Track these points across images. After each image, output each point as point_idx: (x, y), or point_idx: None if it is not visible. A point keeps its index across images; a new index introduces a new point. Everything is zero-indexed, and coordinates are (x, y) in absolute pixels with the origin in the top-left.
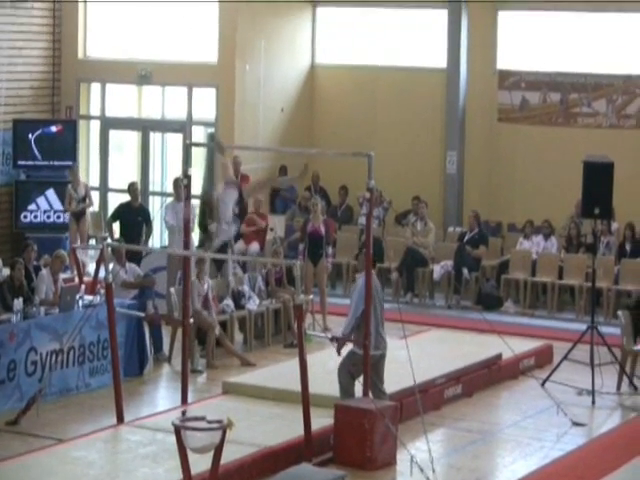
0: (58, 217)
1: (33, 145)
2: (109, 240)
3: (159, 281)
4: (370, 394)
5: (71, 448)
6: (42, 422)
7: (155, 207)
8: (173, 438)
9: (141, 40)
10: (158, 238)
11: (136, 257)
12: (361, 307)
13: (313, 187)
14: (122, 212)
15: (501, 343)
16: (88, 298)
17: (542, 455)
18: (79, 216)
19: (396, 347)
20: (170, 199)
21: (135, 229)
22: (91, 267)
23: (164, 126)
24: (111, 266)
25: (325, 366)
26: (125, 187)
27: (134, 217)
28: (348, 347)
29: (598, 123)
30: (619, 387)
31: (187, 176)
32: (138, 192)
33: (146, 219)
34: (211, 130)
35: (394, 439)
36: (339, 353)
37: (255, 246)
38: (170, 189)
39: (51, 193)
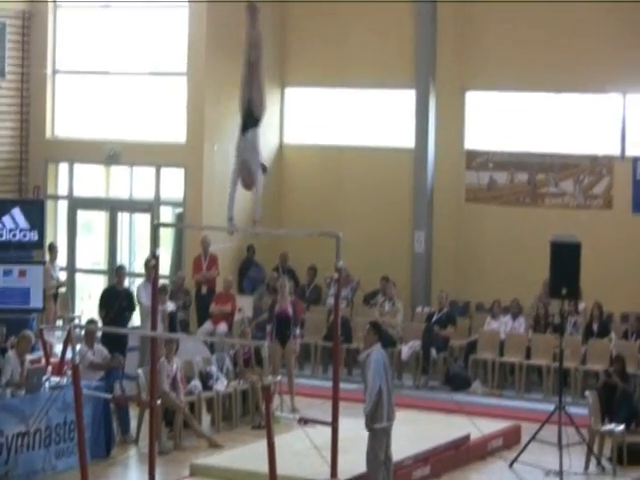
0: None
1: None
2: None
3: (127, 362)
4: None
5: None
6: None
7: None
8: None
9: (109, 120)
10: None
11: (121, 342)
12: (378, 383)
13: (281, 267)
14: (107, 297)
15: (469, 424)
16: (55, 379)
17: None
18: (56, 296)
19: (364, 427)
20: (142, 280)
21: (120, 313)
22: (58, 348)
23: (132, 206)
24: (78, 347)
25: (293, 448)
26: (92, 267)
27: (119, 302)
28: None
29: (565, 203)
30: (587, 467)
31: (155, 257)
32: (124, 276)
33: (130, 304)
34: (179, 211)
35: None
36: (370, 429)
37: (223, 327)
38: (138, 269)
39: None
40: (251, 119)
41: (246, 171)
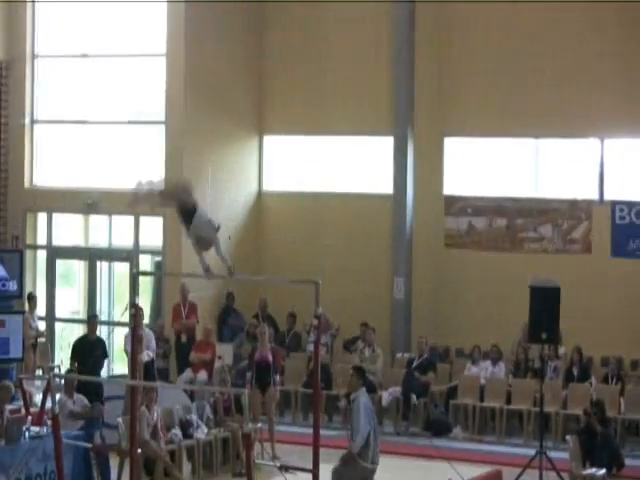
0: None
1: None
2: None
3: (108, 410)
4: None
5: None
6: None
7: (102, 336)
8: None
9: (88, 169)
10: (105, 367)
11: (96, 391)
12: (368, 426)
13: (260, 314)
14: (79, 347)
15: (450, 470)
16: (35, 429)
17: None
18: (35, 346)
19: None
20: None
21: (93, 363)
22: (38, 398)
23: (111, 255)
24: (58, 396)
25: None
26: (72, 317)
27: (92, 351)
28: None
29: (544, 248)
30: None
31: (135, 305)
32: (95, 325)
33: (104, 352)
34: (158, 259)
35: None
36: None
37: (203, 375)
38: (117, 318)
39: None
40: (189, 211)
41: (205, 243)
